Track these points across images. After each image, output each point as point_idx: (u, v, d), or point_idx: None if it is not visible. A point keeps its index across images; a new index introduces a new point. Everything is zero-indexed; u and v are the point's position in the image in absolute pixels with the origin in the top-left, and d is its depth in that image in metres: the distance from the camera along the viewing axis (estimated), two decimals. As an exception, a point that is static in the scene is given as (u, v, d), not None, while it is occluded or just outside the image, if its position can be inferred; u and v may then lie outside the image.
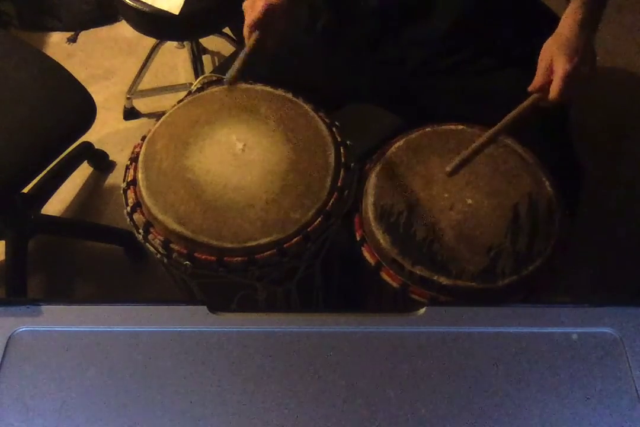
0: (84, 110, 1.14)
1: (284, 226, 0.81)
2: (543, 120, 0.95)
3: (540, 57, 0.81)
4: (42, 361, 0.64)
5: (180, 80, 1.80)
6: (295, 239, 0.81)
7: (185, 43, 1.64)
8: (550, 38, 0.81)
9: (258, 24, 0.85)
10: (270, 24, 0.86)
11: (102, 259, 1.51)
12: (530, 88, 0.80)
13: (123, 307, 0.68)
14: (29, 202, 1.42)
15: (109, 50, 1.88)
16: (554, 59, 0.78)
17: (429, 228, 0.81)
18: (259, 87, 0.92)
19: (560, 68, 0.77)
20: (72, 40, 1.89)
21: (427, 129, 0.90)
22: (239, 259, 0.80)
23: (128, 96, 1.69)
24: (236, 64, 0.87)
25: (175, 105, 0.92)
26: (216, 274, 0.83)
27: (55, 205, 1.56)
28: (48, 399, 0.62)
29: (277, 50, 0.89)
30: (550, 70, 0.78)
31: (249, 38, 0.87)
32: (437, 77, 1.02)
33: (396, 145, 0.89)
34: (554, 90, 0.77)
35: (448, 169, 0.83)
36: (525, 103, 0.80)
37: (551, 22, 0.83)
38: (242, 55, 0.87)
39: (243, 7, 0.87)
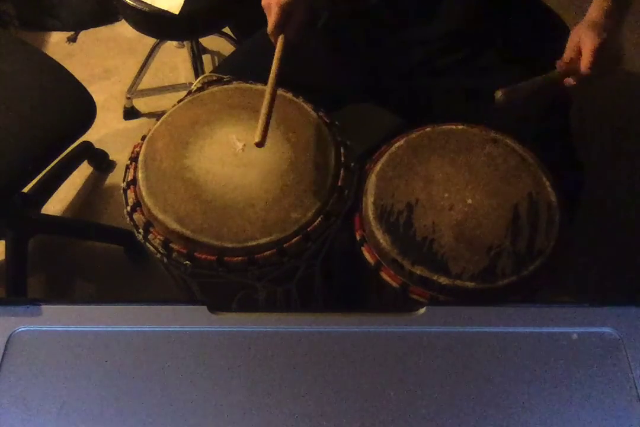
0: (84, 110, 1.14)
1: (284, 226, 0.81)
2: (543, 120, 0.95)
3: (569, 39, 0.83)
4: (42, 361, 0.64)
5: (180, 80, 1.80)
6: (295, 239, 0.81)
7: (185, 43, 1.64)
8: (578, 24, 0.84)
9: (278, 27, 0.86)
10: (290, 20, 0.86)
11: (102, 259, 1.51)
12: (558, 63, 0.83)
13: (123, 307, 0.68)
14: (29, 202, 1.42)
15: (109, 50, 1.88)
16: (582, 37, 0.81)
17: (428, 228, 0.81)
18: (259, 87, 0.92)
19: (589, 42, 0.79)
20: (72, 40, 1.90)
21: (427, 129, 0.90)
22: (239, 258, 0.80)
23: (128, 96, 1.69)
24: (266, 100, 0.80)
25: (175, 105, 0.92)
26: (216, 273, 0.83)
27: (55, 205, 1.56)
28: (48, 399, 0.62)
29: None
30: (578, 47, 0.81)
31: (276, 43, 0.87)
32: (438, 76, 1.02)
33: (396, 145, 0.89)
34: (584, 63, 0.80)
35: (499, 93, 0.82)
36: (556, 71, 0.82)
37: (551, 21, 0.84)
38: (271, 81, 0.83)
39: (262, 5, 0.88)
